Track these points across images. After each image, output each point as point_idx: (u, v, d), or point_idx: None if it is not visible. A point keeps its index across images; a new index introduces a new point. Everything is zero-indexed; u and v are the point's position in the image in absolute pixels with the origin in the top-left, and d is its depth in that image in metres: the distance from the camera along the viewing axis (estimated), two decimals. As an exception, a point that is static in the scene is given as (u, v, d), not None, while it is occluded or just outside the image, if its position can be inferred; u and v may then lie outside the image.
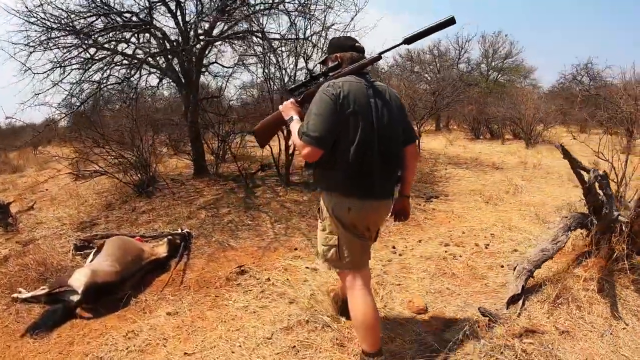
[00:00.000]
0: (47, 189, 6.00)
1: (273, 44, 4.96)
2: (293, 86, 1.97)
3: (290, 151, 5.18)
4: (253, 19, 5.03)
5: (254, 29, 5.11)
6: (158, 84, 6.57)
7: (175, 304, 2.57)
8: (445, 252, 3.33)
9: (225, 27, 5.35)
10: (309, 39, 4.89)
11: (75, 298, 2.46)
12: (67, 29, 4.61)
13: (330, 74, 1.79)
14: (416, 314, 2.42)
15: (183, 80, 5.56)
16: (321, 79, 1.83)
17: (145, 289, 2.76)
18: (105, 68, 5.35)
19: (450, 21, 1.66)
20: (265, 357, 1.99)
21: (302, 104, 1.87)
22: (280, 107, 1.88)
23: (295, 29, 4.92)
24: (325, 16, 4.97)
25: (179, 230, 3.54)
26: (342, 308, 2.24)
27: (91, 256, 2.98)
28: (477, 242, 3.53)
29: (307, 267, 3.03)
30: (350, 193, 1.71)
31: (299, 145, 1.66)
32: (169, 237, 3.35)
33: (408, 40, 1.73)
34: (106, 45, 5.08)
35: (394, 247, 3.47)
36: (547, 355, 1.91)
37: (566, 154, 2.52)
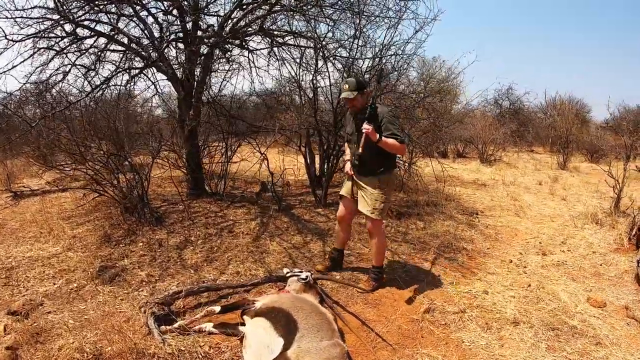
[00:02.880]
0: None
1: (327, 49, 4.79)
2: (367, 118, 2.97)
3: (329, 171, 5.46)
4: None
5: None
6: (133, 77, 4.96)
7: None
8: (552, 260, 4.04)
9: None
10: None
11: None
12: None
13: (371, 104, 2.98)
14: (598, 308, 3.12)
15: (182, 77, 4.79)
16: (368, 110, 2.97)
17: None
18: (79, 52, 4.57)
19: None
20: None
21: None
22: (366, 129, 2.90)
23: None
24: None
25: (298, 272, 2.97)
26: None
27: (247, 341, 2.25)
28: (563, 249, 4.33)
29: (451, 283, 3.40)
30: (395, 168, 3.28)
31: (400, 147, 3.03)
32: (305, 281, 2.85)
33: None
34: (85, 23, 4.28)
35: (511, 261, 4.04)
36: None
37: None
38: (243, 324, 2.48)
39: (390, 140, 2.97)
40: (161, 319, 2.52)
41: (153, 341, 2.32)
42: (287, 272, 3.06)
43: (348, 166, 3.28)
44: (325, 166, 5.78)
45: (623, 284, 3.57)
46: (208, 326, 2.50)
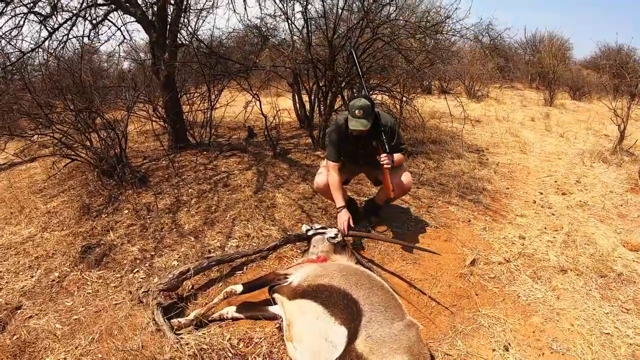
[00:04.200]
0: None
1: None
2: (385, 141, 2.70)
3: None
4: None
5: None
6: (96, 25, 4.46)
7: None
8: (574, 200, 3.88)
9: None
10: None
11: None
12: None
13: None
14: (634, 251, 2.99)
15: (153, 17, 4.22)
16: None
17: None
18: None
19: None
20: None
21: None
22: (387, 164, 2.64)
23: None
24: None
25: (321, 228, 2.59)
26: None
27: (294, 331, 1.78)
28: (579, 188, 4.19)
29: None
30: None
31: (403, 158, 2.88)
32: (335, 240, 2.46)
33: None
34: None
35: (534, 202, 3.83)
36: None
37: None
38: (273, 302, 2.07)
39: (398, 157, 2.79)
40: (170, 310, 2.05)
41: (165, 341, 1.87)
42: (308, 230, 2.62)
43: (345, 223, 2.58)
44: (322, 105, 5.21)
45: (650, 226, 3.46)
46: (230, 311, 2.06)
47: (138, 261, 2.64)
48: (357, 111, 2.52)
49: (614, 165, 5.01)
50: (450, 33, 5.29)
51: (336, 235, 2.48)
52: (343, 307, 1.68)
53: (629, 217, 3.61)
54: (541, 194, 4.07)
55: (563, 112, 9.17)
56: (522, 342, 2.11)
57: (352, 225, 2.62)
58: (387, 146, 2.64)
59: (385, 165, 2.63)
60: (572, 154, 5.56)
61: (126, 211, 3.27)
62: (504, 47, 12.93)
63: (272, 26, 5.73)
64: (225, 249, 2.74)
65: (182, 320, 1.99)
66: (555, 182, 4.43)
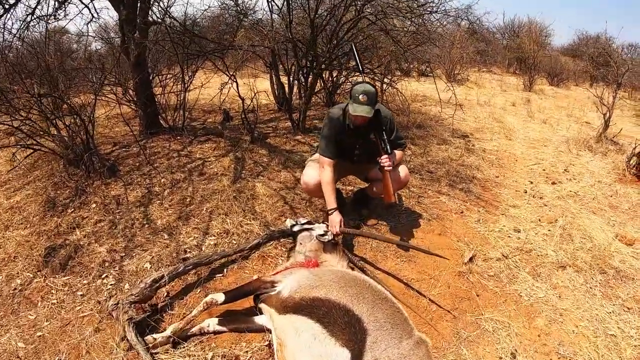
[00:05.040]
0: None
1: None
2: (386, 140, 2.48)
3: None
4: None
5: None
6: (63, 3, 3.90)
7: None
8: (564, 190, 3.82)
9: None
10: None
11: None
12: None
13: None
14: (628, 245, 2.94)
15: None
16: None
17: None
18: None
19: None
20: None
21: None
22: (388, 166, 2.41)
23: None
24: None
25: (307, 223, 2.37)
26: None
27: (287, 353, 1.56)
28: (568, 177, 4.12)
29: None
30: None
31: (402, 154, 2.66)
32: (325, 239, 2.24)
33: None
34: None
35: (525, 191, 3.71)
36: None
37: None
38: (259, 312, 1.83)
39: (399, 155, 2.61)
40: (143, 324, 1.79)
41: (139, 363, 1.60)
42: (294, 225, 2.37)
43: (337, 227, 2.33)
44: (303, 87, 4.90)
45: (640, 217, 3.42)
46: (211, 324, 1.81)
47: (107, 264, 2.33)
48: (361, 96, 2.26)
49: (599, 154, 4.99)
50: (440, 13, 5.07)
51: (325, 232, 2.24)
52: (344, 326, 1.45)
53: (620, 209, 3.56)
54: (531, 183, 3.96)
55: (543, 98, 9.19)
56: (528, 348, 1.97)
57: (346, 229, 2.38)
58: (388, 146, 2.41)
59: (386, 168, 2.40)
60: (557, 142, 5.51)
61: (94, 205, 2.91)
62: (482, 32, 12.84)
63: (248, 4, 5.31)
64: (203, 248, 2.46)
65: (158, 336, 1.73)
66: (544, 170, 4.35)
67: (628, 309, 2.33)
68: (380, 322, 1.45)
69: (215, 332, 1.81)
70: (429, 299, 2.14)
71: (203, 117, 5.37)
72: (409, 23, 5.32)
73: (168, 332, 1.74)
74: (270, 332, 1.72)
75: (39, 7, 3.68)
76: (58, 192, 3.08)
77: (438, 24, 5.92)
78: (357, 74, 2.65)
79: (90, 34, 4.68)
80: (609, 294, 2.43)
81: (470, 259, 2.51)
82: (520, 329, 2.07)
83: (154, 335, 1.74)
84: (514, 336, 2.02)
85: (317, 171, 2.51)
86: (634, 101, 9.28)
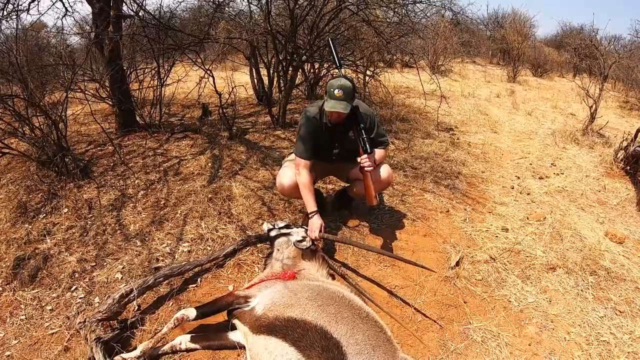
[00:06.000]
0: None
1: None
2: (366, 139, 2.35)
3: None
4: None
5: None
6: None
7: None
8: (551, 185, 3.75)
9: None
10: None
11: None
12: None
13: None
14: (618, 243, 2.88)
15: None
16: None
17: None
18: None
19: None
20: None
21: None
22: (369, 167, 2.28)
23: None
24: None
25: (285, 227, 2.23)
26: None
27: None
28: (555, 172, 4.07)
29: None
30: None
31: (385, 153, 2.52)
32: (304, 245, 2.08)
33: None
34: None
35: (512, 187, 3.63)
36: None
37: None
38: (231, 327, 1.70)
39: (380, 154, 2.45)
40: (113, 342, 1.64)
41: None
42: (271, 229, 2.21)
43: (317, 231, 2.15)
44: (282, 80, 4.70)
45: (629, 214, 3.37)
46: (183, 341, 1.67)
47: (77, 275, 2.15)
48: (336, 91, 2.13)
49: (585, 147, 4.95)
50: (424, 3, 4.93)
51: (303, 238, 2.08)
52: (321, 350, 1.31)
53: (608, 205, 3.50)
54: (518, 178, 3.88)
55: (527, 89, 9.17)
56: (519, 358, 1.86)
57: (326, 235, 2.22)
58: (367, 145, 2.26)
59: (366, 168, 2.26)
60: (543, 134, 5.45)
61: (65, 210, 2.69)
62: (466, 23, 12.77)
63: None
64: (176, 256, 2.28)
65: (127, 356, 1.60)
66: (531, 164, 4.27)
67: (620, 312, 2.25)
68: (361, 345, 1.31)
69: (188, 350, 1.68)
70: (414, 308, 2.01)
71: (182, 112, 5.13)
72: (392, 14, 5.19)
73: (138, 352, 1.61)
74: (245, 349, 1.57)
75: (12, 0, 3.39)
76: (30, 196, 2.87)
77: (422, 15, 5.82)
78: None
79: (66, 28, 4.42)
80: (601, 296, 2.35)
81: (457, 263, 2.39)
82: (510, 338, 1.96)
83: (123, 356, 1.60)
84: (504, 346, 1.91)
85: (293, 172, 2.35)
86: (617, 92, 9.33)
